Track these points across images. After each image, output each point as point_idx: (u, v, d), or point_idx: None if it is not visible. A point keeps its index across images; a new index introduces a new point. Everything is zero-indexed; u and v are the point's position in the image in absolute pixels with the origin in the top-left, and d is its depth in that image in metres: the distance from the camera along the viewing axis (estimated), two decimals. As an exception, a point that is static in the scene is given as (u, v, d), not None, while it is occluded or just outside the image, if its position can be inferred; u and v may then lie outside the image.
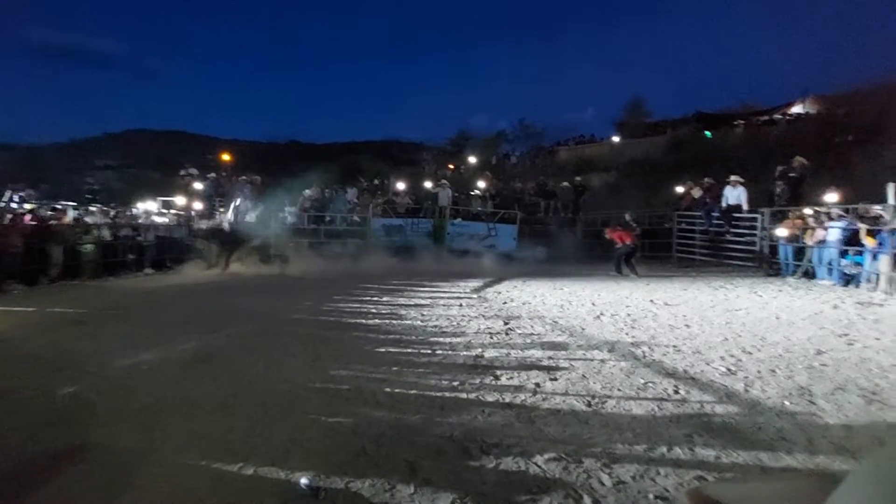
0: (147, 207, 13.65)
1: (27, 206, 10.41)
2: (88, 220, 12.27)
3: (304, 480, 2.38)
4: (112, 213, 13.54)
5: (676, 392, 3.66)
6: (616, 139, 27.91)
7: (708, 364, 4.31)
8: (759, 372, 4.09)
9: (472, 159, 26.91)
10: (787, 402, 3.43)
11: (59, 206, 12.90)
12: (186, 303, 7.36)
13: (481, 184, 17.51)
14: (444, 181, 16.85)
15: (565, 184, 16.45)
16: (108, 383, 3.83)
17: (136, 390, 3.69)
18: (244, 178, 14.82)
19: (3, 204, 9.99)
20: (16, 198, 10.48)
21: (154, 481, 2.44)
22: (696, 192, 12.79)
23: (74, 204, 14.34)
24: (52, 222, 10.63)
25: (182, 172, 15.42)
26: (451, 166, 27.76)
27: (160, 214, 13.88)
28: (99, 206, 14.98)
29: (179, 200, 13.84)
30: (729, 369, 4.17)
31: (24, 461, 2.64)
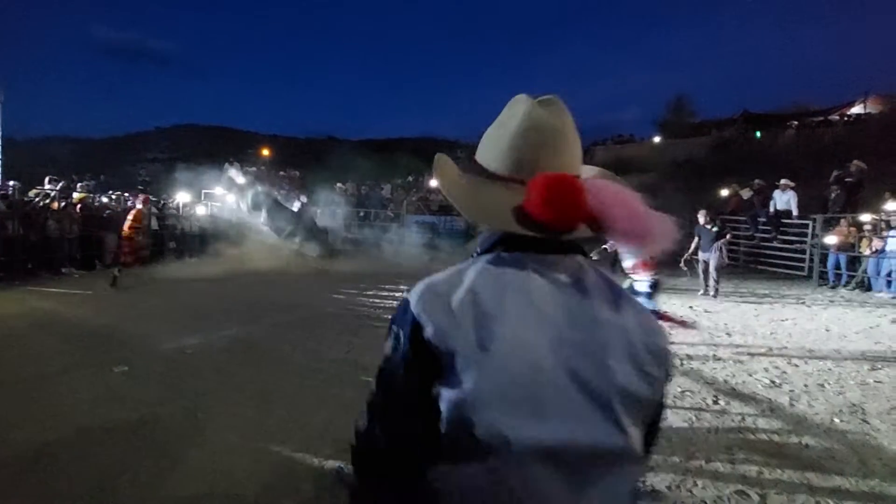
0: (189, 199, 14.21)
1: (75, 196, 11.00)
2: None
3: (338, 466, 2.45)
4: (159, 203, 14.20)
5: (716, 402, 3.54)
6: (657, 139, 27.10)
7: (750, 375, 4.15)
8: (805, 386, 3.90)
9: (508, 157, 26.72)
10: (836, 420, 3.26)
11: (114, 196, 13.65)
12: (227, 291, 7.65)
13: (516, 183, 17.36)
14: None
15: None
16: (157, 365, 4.05)
17: (182, 373, 3.88)
18: (283, 172, 15.26)
19: (47, 191, 10.55)
20: (52, 186, 11.06)
21: (198, 460, 2.57)
22: (746, 194, 12.21)
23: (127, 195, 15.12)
24: (107, 211, 11.25)
25: (225, 166, 16.01)
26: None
27: (202, 206, 14.44)
28: (149, 196, 15.74)
29: (220, 192, 14.34)
30: (773, 381, 3.99)
31: (83, 432, 2.83)
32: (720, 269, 7.85)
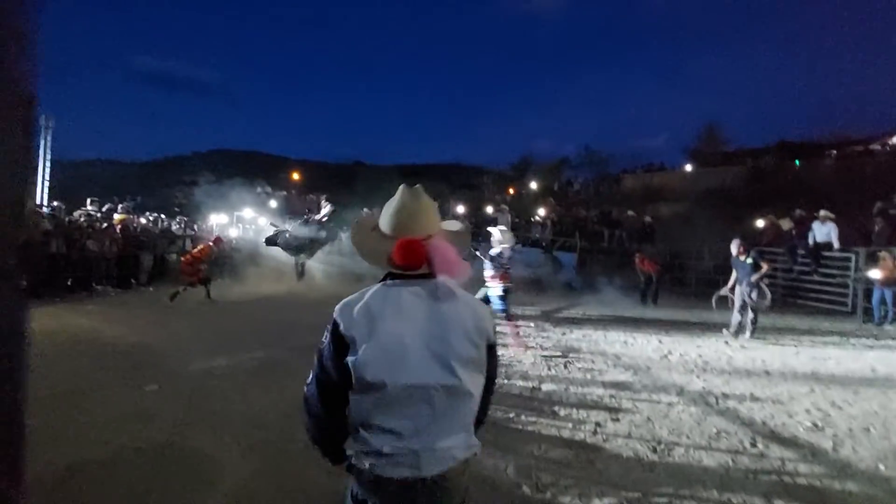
0: (221, 221, 14.70)
1: (116, 217, 11.54)
2: (174, 230, 13.47)
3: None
4: (194, 225, 14.76)
5: (754, 445, 3.35)
6: (689, 168, 26.68)
7: (790, 416, 3.93)
8: (850, 429, 3.66)
9: (534, 185, 26.76)
10: (882, 466, 3.04)
11: (151, 218, 14.28)
12: (255, 313, 7.81)
13: (542, 210, 17.31)
14: (503, 206, 16.85)
15: (631, 213, 15.88)
16: (186, 385, 4.14)
17: (210, 394, 3.95)
18: (312, 196, 15.67)
19: (89, 211, 11.08)
20: (95, 207, 11.59)
21: (223, 482, 2.58)
22: (786, 224, 11.77)
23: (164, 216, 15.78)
24: (143, 232, 11.77)
25: (258, 190, 16.61)
26: (512, 191, 27.75)
27: (234, 228, 14.92)
28: (183, 218, 16.40)
29: (249, 214, 14.78)
30: (815, 424, 3.77)
31: (114, 450, 2.89)
32: (758, 309, 7.04)
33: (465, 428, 1.20)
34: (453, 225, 1.40)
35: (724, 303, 7.61)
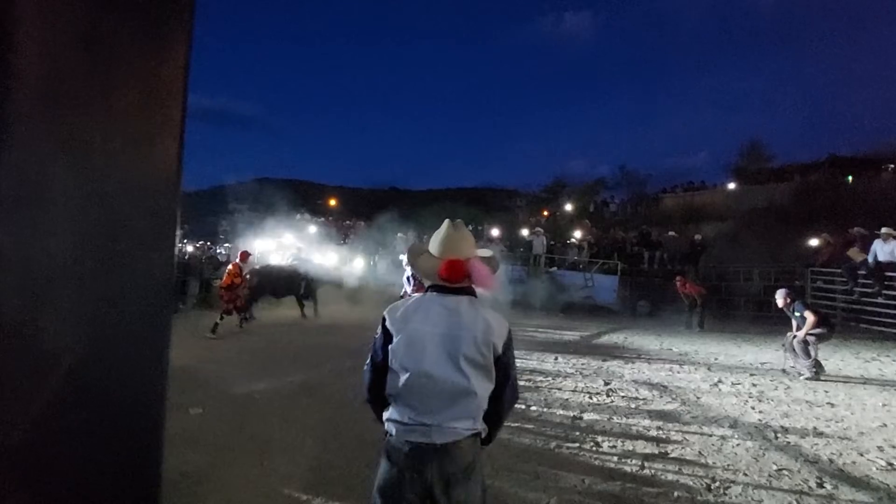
0: (263, 248, 15.14)
1: None
2: (219, 257, 14.05)
3: None
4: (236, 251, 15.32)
5: (820, 485, 3.08)
6: (732, 186, 25.70)
7: (861, 454, 3.59)
8: (934, 472, 3.30)
9: (569, 206, 26.42)
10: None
11: (198, 245, 14.96)
12: (294, 337, 7.95)
13: (578, 232, 17.02)
14: (538, 228, 16.68)
15: (671, 233, 15.38)
16: (229, 408, 4.23)
17: (251, 418, 4.01)
18: (348, 222, 16.04)
19: None
20: None
21: (262, 511, 2.58)
22: (858, 256, 10.66)
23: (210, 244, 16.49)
24: (190, 259, 12.32)
25: (297, 216, 17.17)
26: (546, 213, 27.50)
27: (276, 254, 15.38)
28: (227, 245, 17.08)
29: (287, 241, 15.10)
30: (890, 463, 3.43)
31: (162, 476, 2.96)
32: (808, 348, 6.07)
33: (471, 416, 1.50)
34: (486, 252, 1.76)
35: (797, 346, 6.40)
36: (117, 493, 0.76)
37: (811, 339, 6.11)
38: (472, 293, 1.60)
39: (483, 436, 1.56)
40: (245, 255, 9.11)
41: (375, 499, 1.50)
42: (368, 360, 1.60)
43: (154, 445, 0.83)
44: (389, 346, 1.51)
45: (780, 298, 6.59)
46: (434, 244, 1.67)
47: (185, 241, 15.09)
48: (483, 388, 1.50)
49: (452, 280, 1.55)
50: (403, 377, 1.47)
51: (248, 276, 9.16)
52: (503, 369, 1.54)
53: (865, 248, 10.44)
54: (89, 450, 0.71)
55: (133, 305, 0.72)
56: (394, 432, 1.49)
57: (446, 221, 1.70)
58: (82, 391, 0.69)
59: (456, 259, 1.57)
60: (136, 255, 0.72)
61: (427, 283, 1.65)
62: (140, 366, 0.76)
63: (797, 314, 6.31)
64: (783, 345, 6.70)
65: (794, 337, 6.20)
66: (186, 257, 12.80)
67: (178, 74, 0.74)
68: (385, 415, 1.55)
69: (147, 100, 0.71)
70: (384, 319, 1.56)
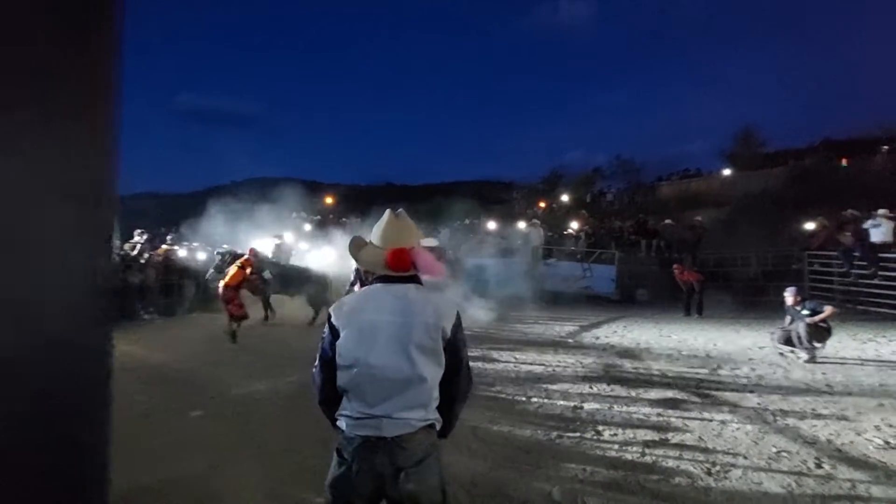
0: (264, 246, 14.99)
1: (164, 247, 12.07)
2: (216, 258, 13.96)
3: None
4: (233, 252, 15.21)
5: (819, 466, 3.10)
6: (727, 172, 25.72)
7: (859, 434, 3.62)
8: (931, 449, 3.33)
9: (565, 197, 26.41)
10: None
11: (194, 246, 14.87)
12: (293, 338, 7.94)
13: (575, 223, 17.02)
14: (535, 220, 16.67)
15: (668, 221, 15.38)
16: (228, 410, 4.22)
17: (250, 420, 4.01)
18: (344, 219, 15.99)
19: (134, 243, 11.60)
20: (143, 238, 12.13)
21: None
22: (847, 239, 10.72)
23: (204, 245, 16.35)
24: (185, 261, 12.28)
25: (293, 215, 17.10)
26: (543, 204, 27.48)
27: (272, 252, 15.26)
28: (223, 246, 16.90)
29: (279, 239, 14.89)
30: (887, 442, 3.46)
31: (162, 479, 2.96)
32: (813, 356, 5.97)
33: (423, 405, 1.48)
34: (430, 242, 1.83)
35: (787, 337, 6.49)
36: None
37: (814, 342, 6.07)
38: (417, 281, 1.60)
39: (438, 427, 1.56)
40: (253, 252, 8.92)
41: (327, 494, 1.51)
42: (317, 361, 1.59)
43: (94, 475, 0.72)
44: (337, 342, 1.51)
45: (789, 297, 6.59)
46: (377, 235, 1.66)
47: (184, 243, 14.98)
48: (432, 373, 1.49)
49: (399, 269, 1.56)
50: (353, 370, 1.47)
51: (262, 274, 9.06)
52: (454, 352, 1.54)
53: (858, 231, 10.47)
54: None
55: (56, 311, 0.68)
56: (345, 427, 1.50)
57: (387, 211, 1.70)
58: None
59: (401, 248, 1.57)
60: (61, 260, 0.67)
61: (370, 275, 1.64)
62: (73, 373, 0.71)
63: (805, 312, 6.27)
64: (772, 333, 6.75)
65: (803, 324, 6.16)
66: (182, 259, 12.71)
67: (107, 73, 0.70)
68: (337, 412, 1.55)
69: (74, 99, 0.67)
70: (329, 316, 1.56)
